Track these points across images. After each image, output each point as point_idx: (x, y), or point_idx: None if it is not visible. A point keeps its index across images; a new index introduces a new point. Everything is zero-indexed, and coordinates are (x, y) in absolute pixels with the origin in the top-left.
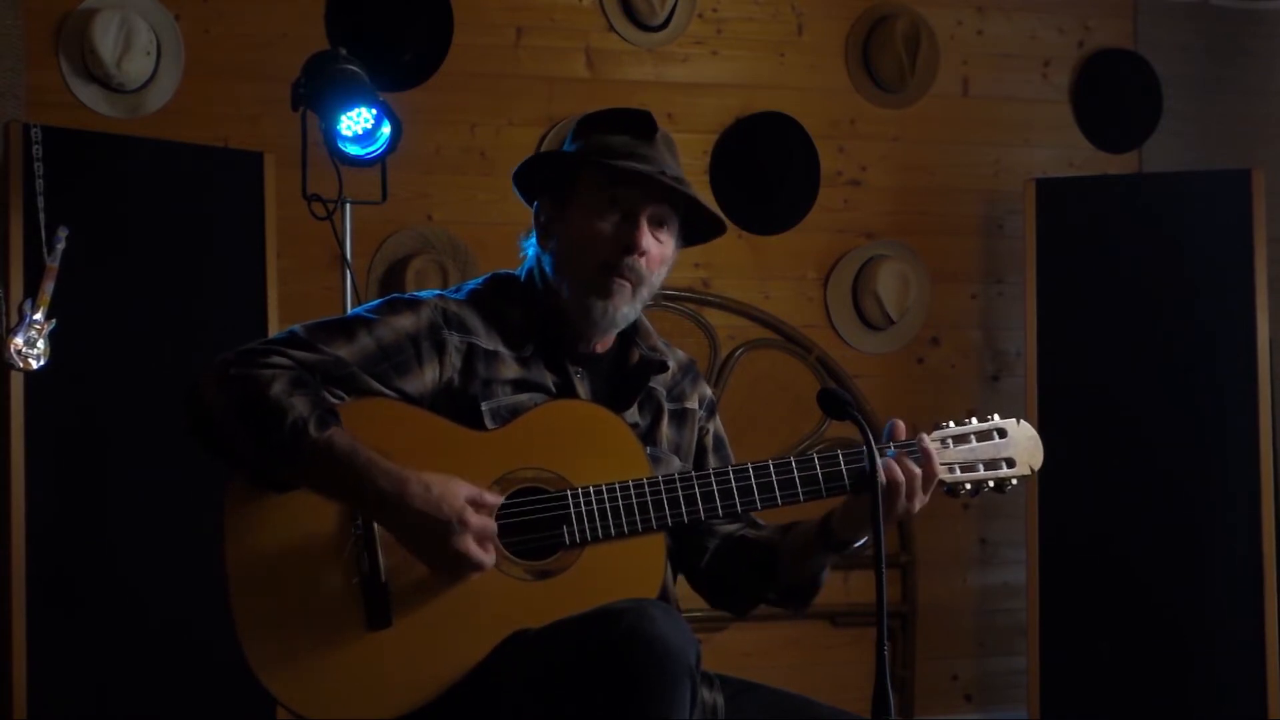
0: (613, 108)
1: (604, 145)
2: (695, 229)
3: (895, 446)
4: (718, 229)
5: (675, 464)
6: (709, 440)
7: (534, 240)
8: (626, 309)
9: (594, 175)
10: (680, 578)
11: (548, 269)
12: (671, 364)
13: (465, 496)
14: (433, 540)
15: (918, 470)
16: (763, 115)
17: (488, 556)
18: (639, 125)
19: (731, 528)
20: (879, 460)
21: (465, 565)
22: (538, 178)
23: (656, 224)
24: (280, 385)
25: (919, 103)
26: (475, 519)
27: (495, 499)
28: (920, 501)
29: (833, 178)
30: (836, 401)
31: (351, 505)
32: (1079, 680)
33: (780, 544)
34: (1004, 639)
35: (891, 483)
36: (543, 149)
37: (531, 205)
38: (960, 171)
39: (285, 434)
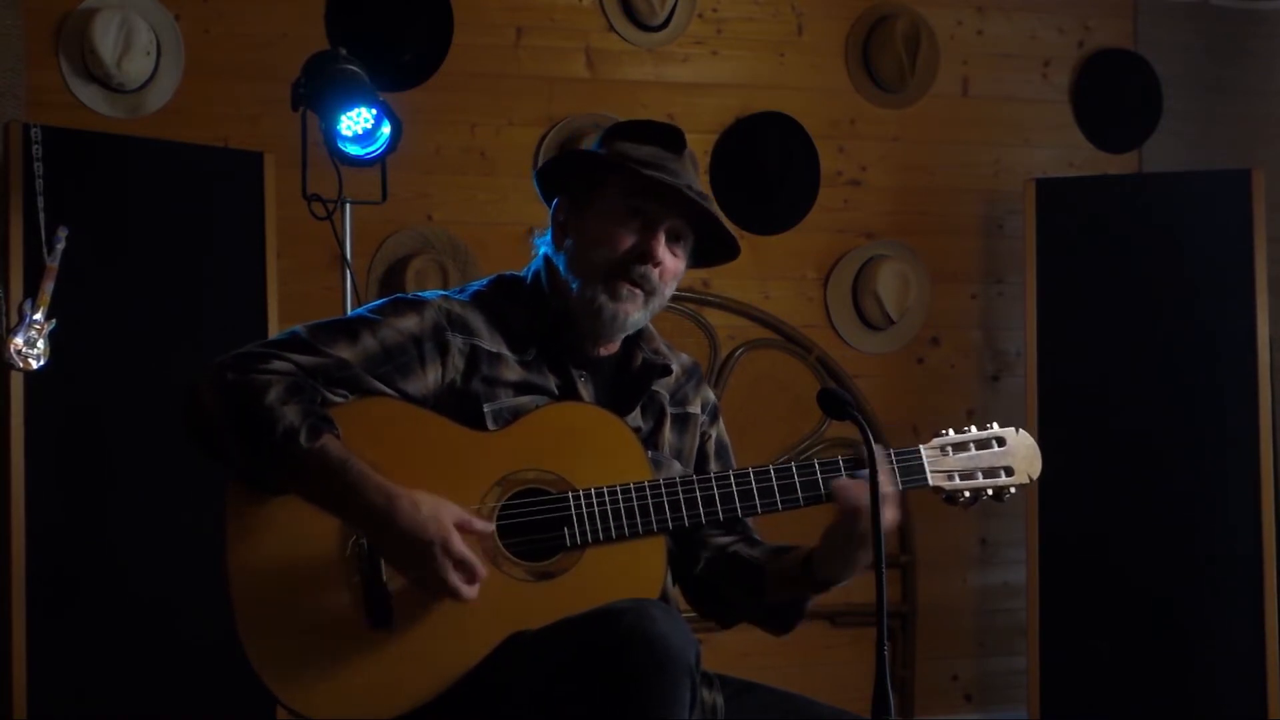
0: (643, 120)
1: (631, 155)
2: (707, 251)
3: (895, 454)
4: (730, 253)
5: (676, 469)
6: (711, 446)
7: (548, 239)
8: (637, 315)
9: (619, 181)
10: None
11: (560, 267)
12: (675, 367)
13: (455, 521)
14: (415, 560)
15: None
16: (763, 115)
17: (468, 590)
18: (668, 138)
19: (725, 540)
20: (841, 477)
21: (443, 592)
22: (560, 176)
23: (673, 238)
24: (275, 392)
25: (919, 103)
26: (457, 549)
27: (485, 526)
28: (892, 517)
29: (833, 178)
30: (836, 401)
31: (337, 517)
32: (1079, 680)
33: (768, 568)
34: (1004, 639)
35: (853, 510)
36: (545, 148)
37: (549, 203)
38: (960, 171)
39: (276, 443)
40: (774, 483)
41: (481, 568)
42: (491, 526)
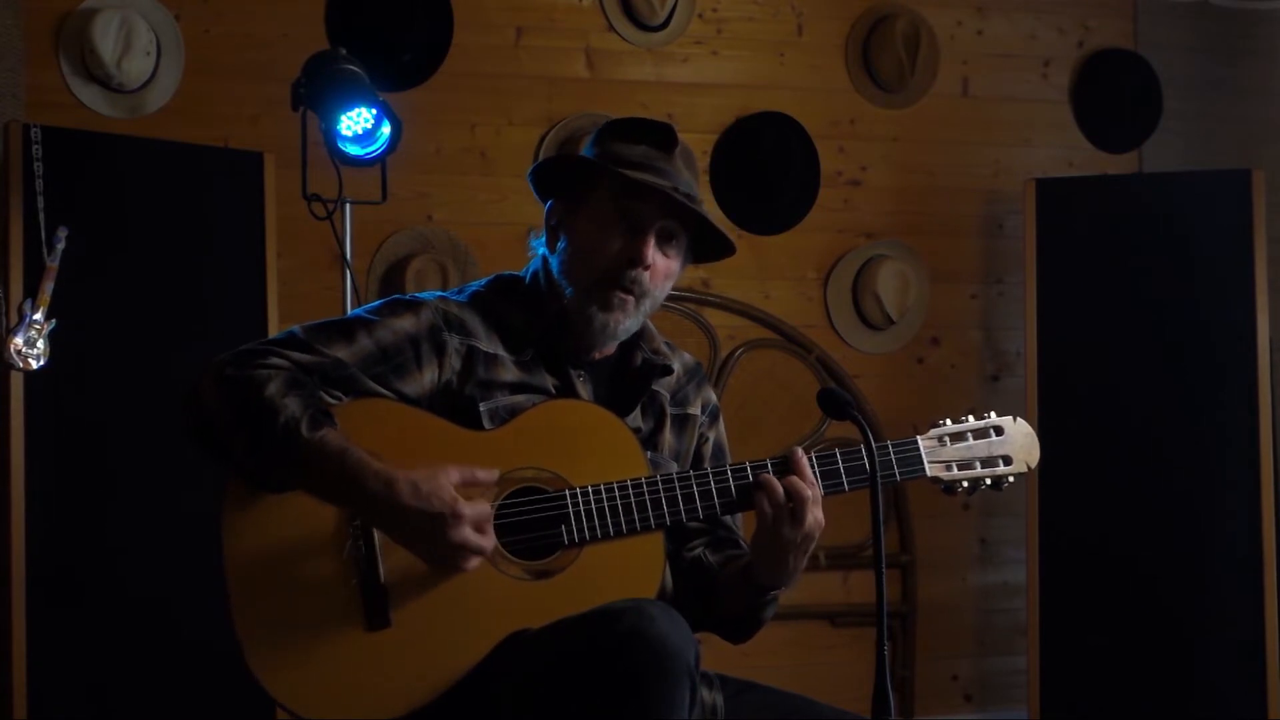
0: (636, 117)
1: (621, 155)
2: (704, 246)
3: (893, 446)
4: (726, 249)
5: (674, 470)
6: (708, 448)
7: (543, 240)
8: (629, 322)
9: (607, 184)
10: None
11: (553, 270)
12: (677, 367)
13: (456, 480)
14: (428, 537)
15: (806, 493)
16: (763, 115)
17: (487, 540)
18: (659, 137)
19: (694, 543)
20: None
21: (465, 554)
22: (554, 177)
23: (665, 239)
24: (275, 386)
25: (919, 103)
26: (468, 509)
27: (488, 475)
28: (812, 521)
29: (833, 178)
30: (836, 401)
31: (340, 506)
32: (1079, 680)
33: (719, 576)
34: (1004, 639)
35: (775, 506)
36: (545, 148)
37: (545, 203)
38: (960, 171)
39: (277, 434)
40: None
41: (489, 511)
42: (495, 474)
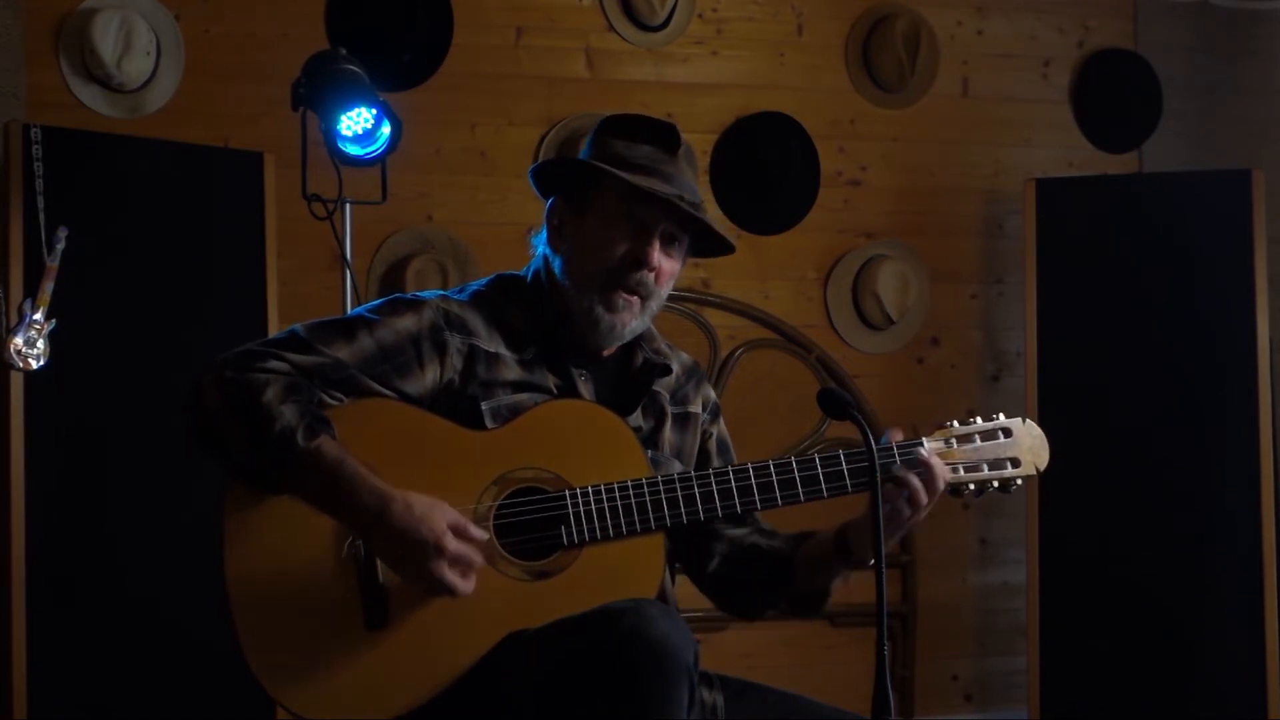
0: (638, 115)
1: (627, 157)
2: (703, 244)
3: (898, 448)
4: (725, 248)
5: (676, 468)
6: (712, 444)
7: (544, 237)
8: (635, 323)
9: (614, 187)
10: (682, 579)
11: (556, 271)
12: (675, 367)
13: (449, 522)
14: (409, 560)
15: (919, 484)
16: (763, 115)
17: (464, 584)
18: (664, 138)
19: (739, 533)
20: (871, 465)
21: (439, 590)
22: (556, 175)
23: (668, 241)
24: (273, 391)
25: (919, 103)
26: (454, 545)
27: (481, 534)
28: (925, 512)
29: (833, 178)
30: (836, 401)
31: (331, 517)
32: (1079, 680)
33: (795, 556)
34: (1004, 639)
35: (904, 493)
36: (545, 148)
37: (545, 199)
38: (960, 171)
39: (273, 441)
40: (773, 478)
41: (478, 557)
42: (486, 535)
